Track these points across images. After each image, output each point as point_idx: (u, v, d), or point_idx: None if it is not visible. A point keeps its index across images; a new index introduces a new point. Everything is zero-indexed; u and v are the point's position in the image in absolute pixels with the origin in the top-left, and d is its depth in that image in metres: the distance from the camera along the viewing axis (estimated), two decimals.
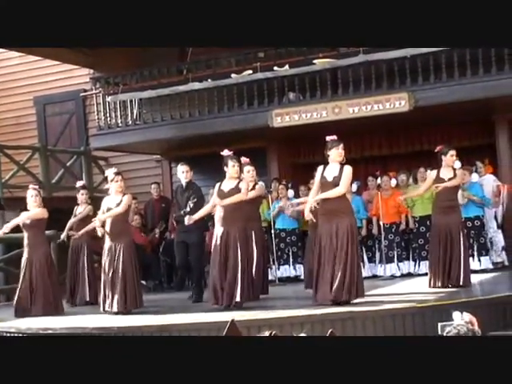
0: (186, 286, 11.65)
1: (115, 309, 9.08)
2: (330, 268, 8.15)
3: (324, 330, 6.96)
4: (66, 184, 14.52)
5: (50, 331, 8.37)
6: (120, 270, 9.10)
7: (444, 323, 3.82)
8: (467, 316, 3.78)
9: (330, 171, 8.37)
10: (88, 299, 10.96)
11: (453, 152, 9.48)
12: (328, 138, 8.46)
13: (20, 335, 8.57)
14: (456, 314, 3.80)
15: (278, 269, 12.11)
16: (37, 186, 10.71)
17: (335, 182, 8.28)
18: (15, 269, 10.56)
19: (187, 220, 9.22)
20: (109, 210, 9.38)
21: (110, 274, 9.14)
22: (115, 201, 9.37)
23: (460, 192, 10.52)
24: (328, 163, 8.44)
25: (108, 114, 13.99)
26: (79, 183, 11.87)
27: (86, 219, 11.07)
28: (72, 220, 11.41)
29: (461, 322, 3.72)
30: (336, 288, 8.07)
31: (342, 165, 8.39)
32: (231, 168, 8.91)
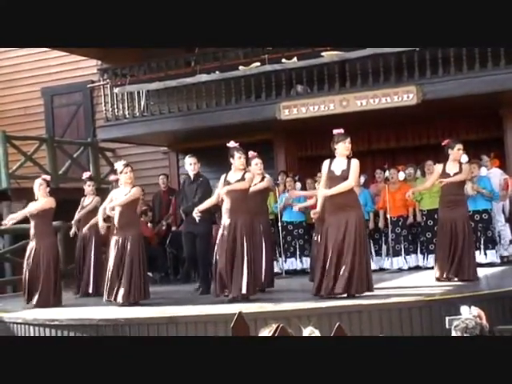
0: (193, 278, 11.65)
1: (120, 300, 9.07)
2: (336, 262, 8.12)
3: (331, 323, 6.96)
4: (73, 175, 14.51)
5: (56, 322, 8.39)
6: (127, 262, 9.09)
7: (452, 317, 3.82)
8: (475, 310, 3.78)
9: (338, 165, 8.32)
10: (91, 291, 10.91)
11: (460, 146, 9.43)
12: (335, 132, 8.39)
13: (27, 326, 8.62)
14: (464, 308, 3.80)
15: (285, 261, 12.11)
16: (48, 177, 10.63)
17: (343, 176, 8.23)
18: (22, 260, 10.55)
19: (195, 214, 9.16)
20: None
21: (117, 265, 9.13)
22: (124, 192, 9.36)
23: (469, 184, 10.48)
24: (334, 157, 8.41)
25: (115, 106, 13.99)
26: (85, 174, 11.83)
27: (94, 211, 11.05)
28: (80, 212, 11.38)
29: (469, 315, 3.72)
30: (345, 281, 8.05)
31: (349, 158, 8.34)
32: (237, 159, 8.85)
